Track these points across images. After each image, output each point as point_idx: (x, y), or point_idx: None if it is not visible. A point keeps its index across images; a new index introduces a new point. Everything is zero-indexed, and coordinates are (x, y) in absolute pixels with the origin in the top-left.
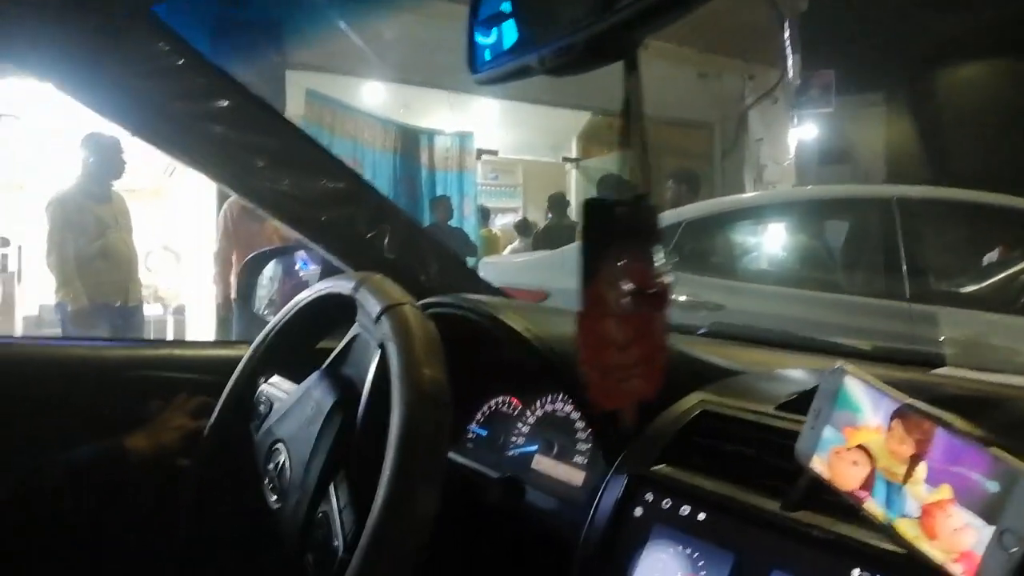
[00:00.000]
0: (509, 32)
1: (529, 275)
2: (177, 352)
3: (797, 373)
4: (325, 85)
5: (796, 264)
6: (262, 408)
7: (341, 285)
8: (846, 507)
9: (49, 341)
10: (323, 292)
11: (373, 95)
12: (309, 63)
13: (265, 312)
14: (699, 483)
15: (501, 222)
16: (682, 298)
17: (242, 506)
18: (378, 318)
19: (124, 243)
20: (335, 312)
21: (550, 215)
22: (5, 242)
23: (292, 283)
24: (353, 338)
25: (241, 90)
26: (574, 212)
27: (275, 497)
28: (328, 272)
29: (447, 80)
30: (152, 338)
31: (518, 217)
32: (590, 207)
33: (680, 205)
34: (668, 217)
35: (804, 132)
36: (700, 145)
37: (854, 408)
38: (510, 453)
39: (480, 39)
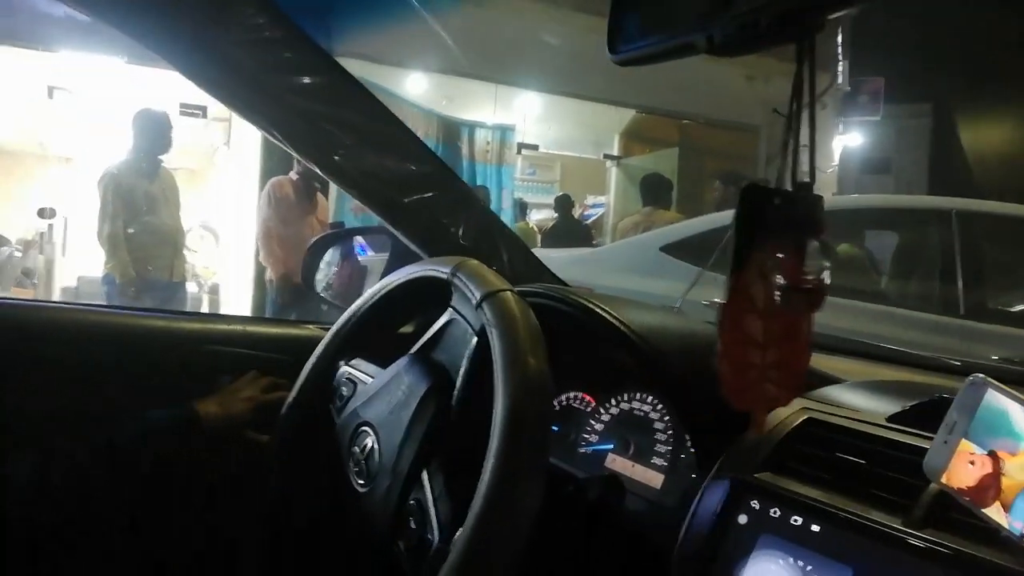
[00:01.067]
0: (665, 9)
1: (573, 270)
2: (249, 328)
3: (898, 385)
4: (370, 73)
5: (848, 274)
6: (344, 390)
7: (436, 269)
8: (973, 527)
9: (127, 311)
10: (416, 275)
11: (417, 85)
12: (355, 51)
13: (324, 294)
14: (809, 493)
15: (537, 217)
16: (721, 300)
17: (323, 485)
18: (479, 304)
19: (172, 219)
20: (424, 296)
21: (556, 215)
22: (52, 212)
23: (350, 267)
24: (447, 323)
25: (336, 67)
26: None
27: (362, 481)
28: (400, 257)
29: (491, 72)
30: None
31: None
32: (749, 192)
33: (726, 206)
34: (716, 220)
35: (849, 139)
36: (745, 148)
37: (1002, 424)
38: (582, 451)
39: (627, 16)
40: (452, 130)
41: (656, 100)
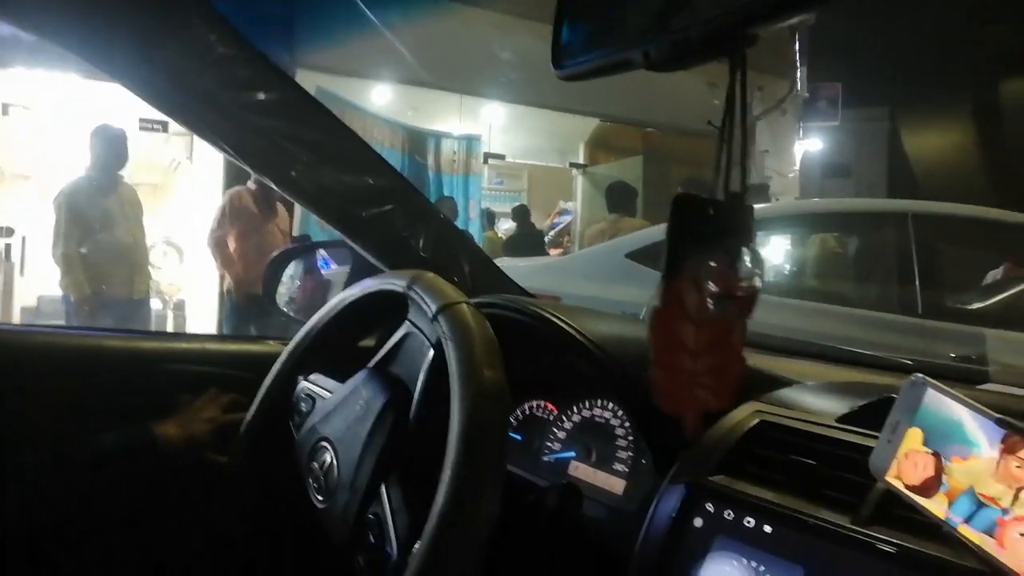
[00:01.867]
0: (605, 26)
1: (540, 279)
2: (208, 346)
3: (849, 385)
4: (334, 86)
5: (807, 277)
6: (303, 406)
7: (392, 282)
8: (919, 523)
9: (81, 331)
10: (372, 289)
11: (381, 97)
12: (319, 64)
13: (286, 308)
14: (762, 495)
15: (505, 226)
16: None
17: (282, 503)
18: (435, 317)
19: (131, 235)
20: (382, 310)
21: (515, 224)
22: (9, 232)
23: (313, 281)
24: (403, 337)
25: (289, 83)
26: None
27: (321, 497)
28: (361, 270)
29: (456, 83)
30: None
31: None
32: (681, 202)
33: None
34: None
35: (809, 144)
36: (709, 154)
37: (941, 424)
38: (546, 459)
39: (569, 33)
40: (418, 141)
41: (620, 109)
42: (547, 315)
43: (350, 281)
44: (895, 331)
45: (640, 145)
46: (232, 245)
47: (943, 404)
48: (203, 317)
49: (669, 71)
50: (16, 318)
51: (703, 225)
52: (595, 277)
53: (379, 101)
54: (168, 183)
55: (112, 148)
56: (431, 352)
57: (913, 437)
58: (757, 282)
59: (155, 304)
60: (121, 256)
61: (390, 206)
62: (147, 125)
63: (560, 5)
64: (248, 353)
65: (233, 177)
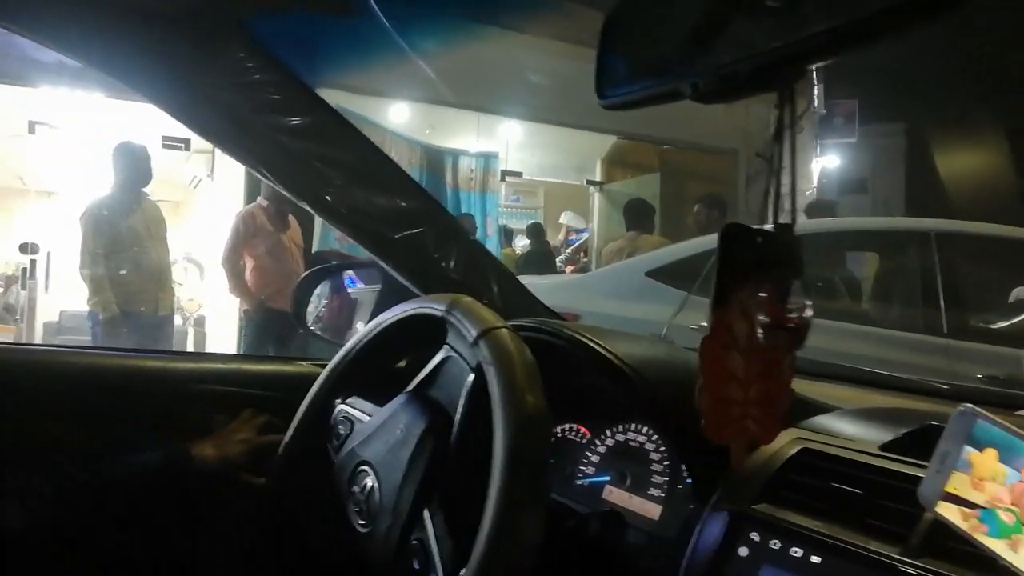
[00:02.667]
0: (652, 57)
1: (559, 296)
2: (242, 367)
3: (889, 412)
4: (354, 104)
5: (830, 296)
6: (341, 429)
7: (430, 306)
8: (971, 555)
9: (117, 352)
10: (410, 313)
11: (400, 115)
12: (339, 82)
13: (314, 328)
14: (808, 524)
15: (522, 243)
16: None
17: (321, 525)
18: (476, 341)
19: (156, 252)
20: (419, 334)
21: (529, 242)
22: (34, 248)
23: (340, 300)
24: (442, 361)
25: (324, 106)
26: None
27: (363, 521)
28: (392, 290)
29: (473, 102)
30: (218, 352)
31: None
32: (729, 232)
33: (708, 228)
34: (701, 244)
35: (826, 161)
36: (724, 171)
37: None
38: (579, 483)
39: (614, 64)
40: (436, 159)
41: (637, 126)
42: (583, 339)
43: (382, 302)
44: (920, 351)
45: (656, 162)
46: (249, 263)
47: (992, 434)
48: (222, 332)
49: (717, 103)
50: (38, 332)
51: (752, 254)
52: (615, 295)
53: (397, 119)
54: (188, 200)
55: (136, 166)
56: (471, 376)
57: (984, 462)
58: (808, 313)
59: (176, 320)
60: (147, 274)
61: (421, 228)
62: (170, 143)
63: (605, 36)
64: (281, 374)
65: (253, 194)
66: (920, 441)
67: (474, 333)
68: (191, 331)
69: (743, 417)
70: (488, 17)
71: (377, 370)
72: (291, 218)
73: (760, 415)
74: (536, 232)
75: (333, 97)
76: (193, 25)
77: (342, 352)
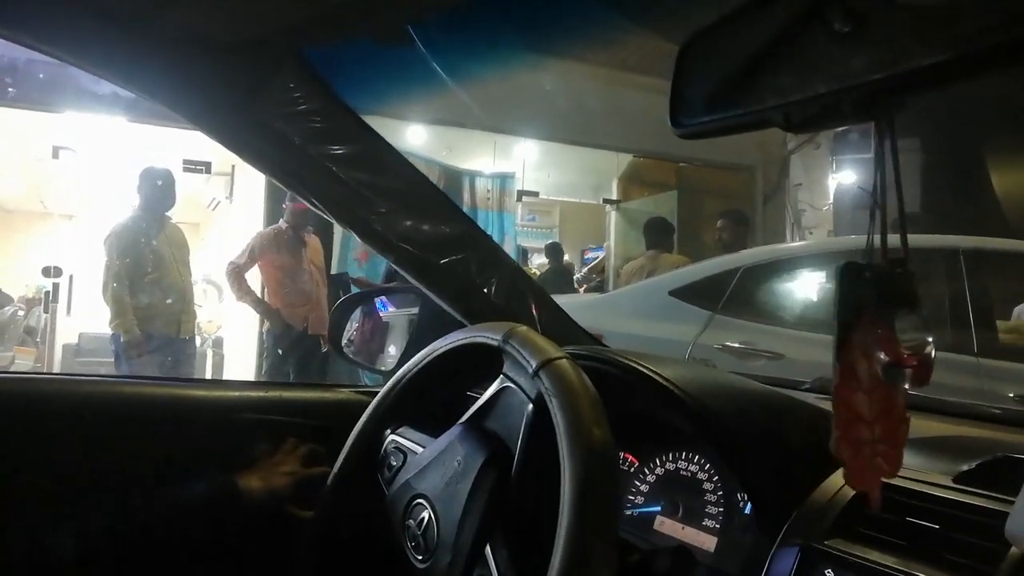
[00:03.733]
0: (737, 84)
1: (581, 316)
2: (283, 395)
3: (954, 440)
4: (374, 126)
5: None
6: (393, 460)
7: (485, 336)
8: None
9: (157, 381)
10: (464, 342)
11: (417, 136)
12: (358, 106)
13: (347, 351)
14: (885, 560)
15: (538, 262)
16: (736, 344)
17: (374, 560)
18: (536, 373)
19: (179, 275)
20: (472, 363)
21: (547, 260)
22: (57, 272)
23: (371, 324)
24: (499, 391)
25: (371, 134)
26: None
27: (420, 556)
28: (432, 316)
29: (490, 122)
30: (258, 380)
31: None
32: (846, 271)
33: (732, 245)
34: (725, 263)
35: (842, 177)
36: (742, 188)
37: None
38: (629, 513)
39: (692, 90)
40: (454, 179)
41: (653, 144)
42: (639, 367)
43: (422, 327)
44: (950, 370)
45: (673, 180)
46: (269, 283)
47: None
48: (241, 354)
49: (808, 132)
50: (58, 354)
51: (868, 292)
52: (637, 314)
53: (415, 141)
54: (208, 221)
55: (160, 189)
56: (530, 407)
57: None
58: (930, 350)
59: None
60: (169, 296)
61: (463, 253)
62: (190, 166)
63: (682, 63)
64: (322, 401)
65: (273, 216)
66: (995, 473)
67: (534, 363)
68: (210, 353)
69: (874, 456)
70: (515, 43)
71: (428, 400)
72: (312, 239)
73: (887, 451)
74: (555, 252)
75: None
76: (250, 54)
77: (392, 381)
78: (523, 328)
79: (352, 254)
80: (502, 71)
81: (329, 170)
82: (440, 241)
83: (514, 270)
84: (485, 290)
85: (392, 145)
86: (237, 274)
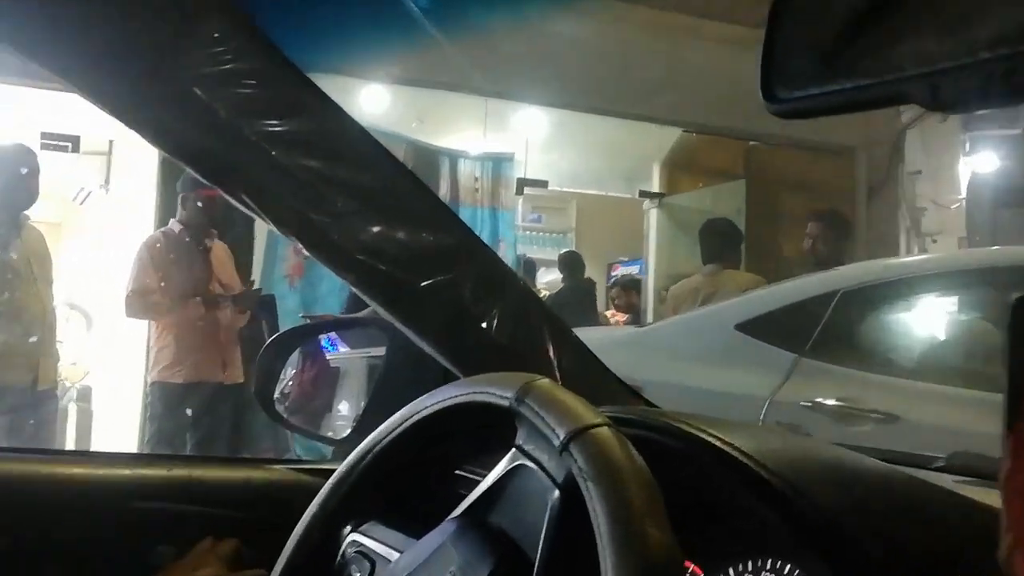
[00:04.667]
0: (860, 49)
1: (611, 358)
2: (195, 473)
3: None
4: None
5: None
6: (355, 569)
7: (489, 391)
8: None
9: (13, 454)
10: (458, 401)
11: (376, 101)
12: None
13: (279, 410)
14: None
15: (546, 279)
16: (831, 402)
17: None
18: (565, 445)
19: (40, 299)
20: (470, 431)
21: (562, 277)
22: None
23: (315, 371)
24: (510, 472)
25: (327, 104)
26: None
27: None
28: (404, 362)
29: (480, 82)
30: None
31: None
32: (1020, 308)
33: (827, 258)
34: (817, 285)
35: (978, 162)
36: (837, 177)
37: None
38: None
39: (797, 56)
40: (426, 162)
41: (712, 115)
42: (708, 438)
43: (389, 376)
44: None
45: (740, 165)
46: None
47: None
48: (118, 412)
49: (958, 113)
50: None
51: None
52: (691, 357)
53: (372, 108)
54: (72, 221)
55: (18, 178)
56: (556, 495)
57: None
58: None
59: None
60: (25, 330)
61: (453, 272)
62: (52, 142)
63: (777, 18)
64: (250, 484)
65: (167, 213)
66: None
67: (562, 433)
68: (73, 409)
69: None
70: None
71: (405, 484)
72: (216, 246)
73: None
74: (572, 264)
75: None
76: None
77: (353, 457)
78: (544, 381)
79: (280, 268)
80: (497, 7)
81: (266, 154)
82: (422, 255)
83: (524, 295)
84: (483, 324)
85: (356, 120)
86: (145, 299)
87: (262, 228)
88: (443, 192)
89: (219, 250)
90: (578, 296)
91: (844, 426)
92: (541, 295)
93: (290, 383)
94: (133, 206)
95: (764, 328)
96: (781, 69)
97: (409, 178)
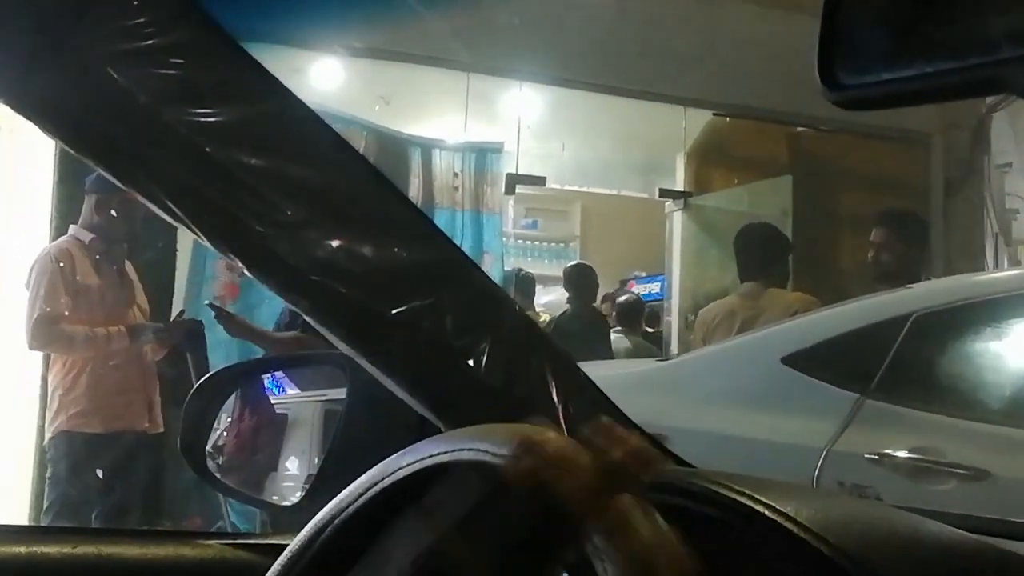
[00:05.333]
0: (936, 22)
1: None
2: (108, 551)
3: None
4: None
5: None
6: None
7: (478, 448)
8: None
9: None
10: (439, 460)
11: (329, 77)
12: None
13: (211, 468)
14: None
15: (546, 299)
16: (903, 453)
17: None
18: (579, 519)
19: None
20: (451, 496)
21: (569, 297)
22: None
23: (257, 418)
24: (507, 550)
25: (271, 85)
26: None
27: None
28: (369, 407)
29: (457, 55)
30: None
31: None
32: None
33: (896, 273)
34: (884, 307)
35: None
36: (907, 171)
37: None
38: None
39: (859, 33)
40: (393, 153)
41: (750, 94)
42: (752, 505)
43: (350, 425)
44: None
45: (785, 155)
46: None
47: None
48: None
49: None
50: None
51: None
52: (727, 396)
53: (324, 85)
54: None
55: None
56: None
57: None
58: None
59: None
60: None
61: (433, 297)
62: None
63: None
64: (175, 564)
65: (66, 218)
66: None
67: (575, 503)
68: None
69: None
70: None
71: (367, 565)
72: (129, 268)
73: None
74: (581, 280)
75: None
76: None
77: (308, 531)
78: (550, 435)
79: (209, 289)
80: None
81: (197, 149)
82: (391, 274)
83: (520, 324)
84: (470, 361)
85: (307, 104)
86: (66, 337)
87: (187, 239)
88: (414, 192)
89: (128, 267)
90: (589, 322)
91: (920, 484)
92: (540, 320)
93: (225, 434)
94: (19, 206)
95: (818, 362)
96: (845, 49)
97: (376, 179)
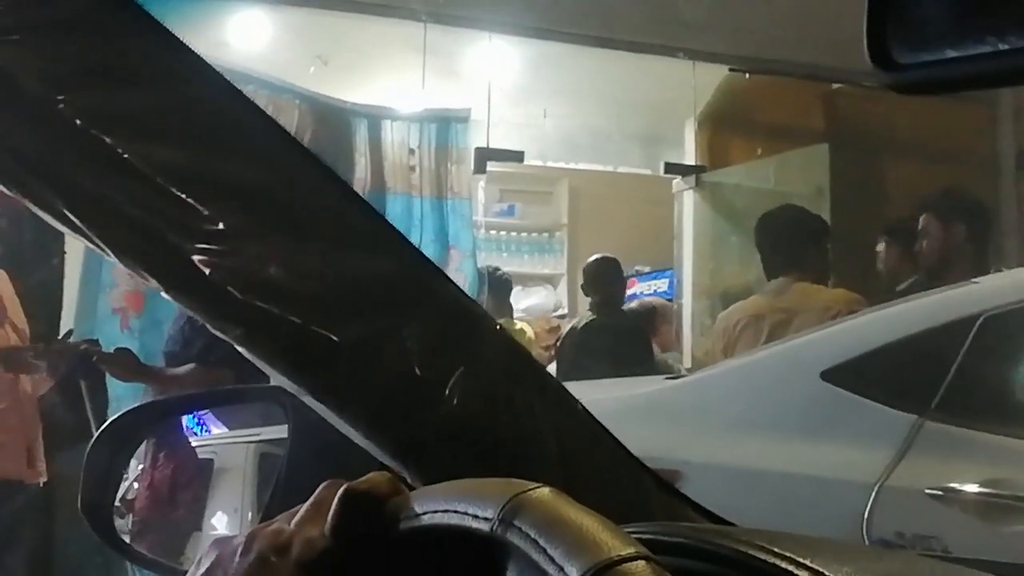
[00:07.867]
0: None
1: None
2: None
3: None
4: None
5: None
6: None
7: (456, 509)
8: None
9: None
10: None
11: (255, 35)
12: None
13: (120, 531)
14: None
15: (527, 303)
16: (973, 487)
17: None
18: None
19: None
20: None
21: (592, 302)
22: None
23: (174, 465)
24: None
25: (195, 65)
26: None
27: None
28: (315, 453)
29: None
30: None
31: (557, 296)
32: None
33: (951, 263)
34: (945, 306)
35: None
36: (969, 140)
37: None
38: None
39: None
40: (331, 126)
41: (776, 45)
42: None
43: (292, 475)
44: None
45: (821, 121)
46: None
47: None
48: None
49: None
50: None
51: None
52: (755, 422)
53: (248, 44)
54: None
55: None
56: None
57: None
58: None
59: None
60: None
61: (395, 319)
62: None
63: None
64: None
65: None
66: None
67: (575, 570)
68: None
69: None
70: None
71: None
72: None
73: None
74: (605, 278)
75: None
76: None
77: None
78: (542, 491)
79: (106, 301)
80: None
81: (97, 143)
82: (344, 292)
83: (501, 346)
84: (446, 391)
85: (239, 89)
86: None
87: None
88: (360, 174)
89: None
90: (624, 333)
91: (994, 526)
92: (524, 332)
93: (136, 486)
94: None
95: (866, 376)
96: (902, 23)
97: (324, 176)
